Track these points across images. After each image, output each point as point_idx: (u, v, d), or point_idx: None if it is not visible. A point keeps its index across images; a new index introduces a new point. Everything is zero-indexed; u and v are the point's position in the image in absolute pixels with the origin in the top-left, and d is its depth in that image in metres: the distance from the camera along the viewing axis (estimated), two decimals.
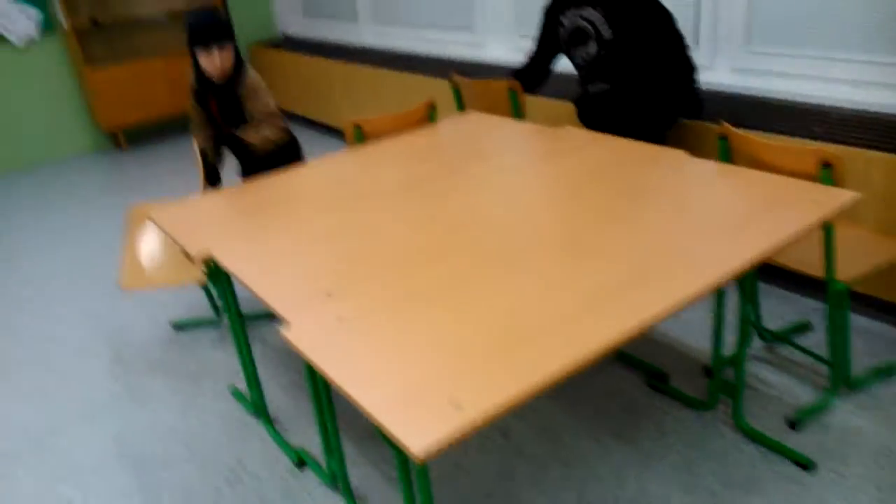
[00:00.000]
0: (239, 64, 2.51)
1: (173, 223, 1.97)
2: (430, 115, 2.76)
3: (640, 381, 2.25)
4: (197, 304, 3.02)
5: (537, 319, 1.30)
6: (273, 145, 2.37)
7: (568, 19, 2.60)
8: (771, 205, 1.65)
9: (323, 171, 2.31)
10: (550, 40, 2.72)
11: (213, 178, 2.71)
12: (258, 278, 1.58)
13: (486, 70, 3.89)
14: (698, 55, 2.92)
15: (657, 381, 2.23)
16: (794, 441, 1.94)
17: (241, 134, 2.24)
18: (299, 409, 2.31)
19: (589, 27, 2.53)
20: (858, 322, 2.41)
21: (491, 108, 2.79)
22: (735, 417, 2.02)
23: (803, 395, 2.11)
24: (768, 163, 1.92)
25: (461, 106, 2.98)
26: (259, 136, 2.33)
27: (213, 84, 2.54)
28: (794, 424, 1.99)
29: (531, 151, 2.29)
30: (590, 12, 2.51)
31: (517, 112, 2.77)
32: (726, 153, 2.06)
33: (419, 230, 1.76)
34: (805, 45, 2.76)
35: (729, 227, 1.57)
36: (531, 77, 2.84)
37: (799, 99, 2.76)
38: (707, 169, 1.92)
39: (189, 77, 2.64)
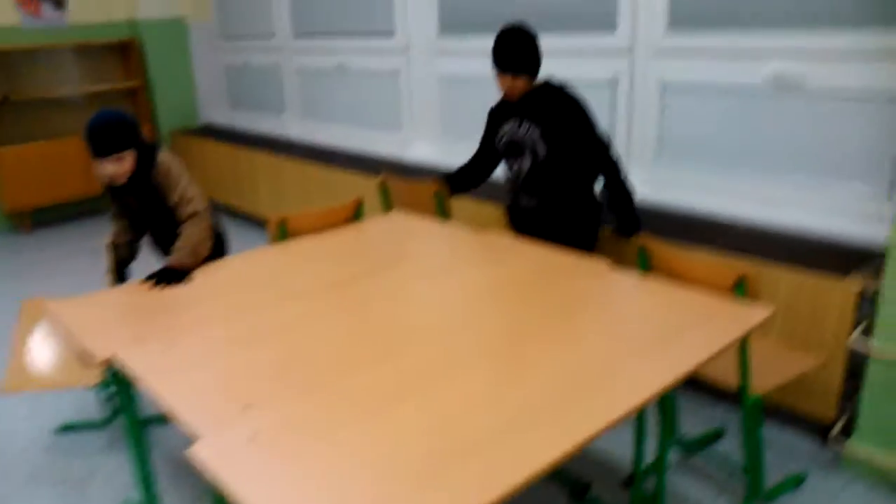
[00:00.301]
0: (145, 158, 2.39)
1: (72, 321, 1.82)
2: (356, 213, 2.74)
3: (561, 492, 2.20)
4: (85, 402, 2.77)
5: (467, 439, 1.25)
6: (208, 251, 2.27)
7: (506, 129, 2.60)
8: (692, 320, 1.69)
9: (243, 268, 2.22)
10: (491, 145, 2.71)
11: (120, 274, 2.57)
12: (166, 386, 1.46)
13: (411, 169, 3.96)
14: None
15: (579, 492, 2.19)
16: None
17: (176, 261, 2.15)
18: None
19: (524, 142, 2.53)
20: (765, 432, 2.46)
21: (417, 209, 2.80)
22: None
23: None
24: (685, 274, 1.99)
25: (388, 205, 2.99)
26: (191, 251, 2.22)
27: (119, 185, 2.43)
28: None
29: (458, 257, 2.29)
30: (527, 128, 2.52)
31: (443, 213, 2.79)
32: (646, 263, 2.12)
33: (343, 337, 1.69)
34: (710, 162, 2.96)
35: (654, 345, 1.58)
36: (468, 177, 2.82)
37: (704, 212, 2.94)
38: (629, 282, 1.97)
39: None
